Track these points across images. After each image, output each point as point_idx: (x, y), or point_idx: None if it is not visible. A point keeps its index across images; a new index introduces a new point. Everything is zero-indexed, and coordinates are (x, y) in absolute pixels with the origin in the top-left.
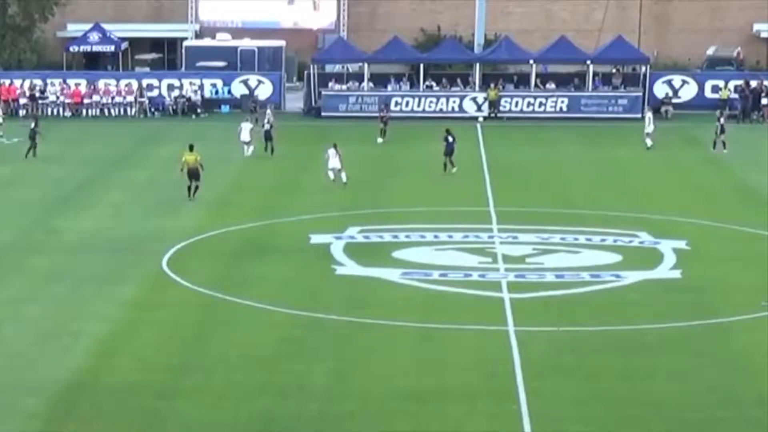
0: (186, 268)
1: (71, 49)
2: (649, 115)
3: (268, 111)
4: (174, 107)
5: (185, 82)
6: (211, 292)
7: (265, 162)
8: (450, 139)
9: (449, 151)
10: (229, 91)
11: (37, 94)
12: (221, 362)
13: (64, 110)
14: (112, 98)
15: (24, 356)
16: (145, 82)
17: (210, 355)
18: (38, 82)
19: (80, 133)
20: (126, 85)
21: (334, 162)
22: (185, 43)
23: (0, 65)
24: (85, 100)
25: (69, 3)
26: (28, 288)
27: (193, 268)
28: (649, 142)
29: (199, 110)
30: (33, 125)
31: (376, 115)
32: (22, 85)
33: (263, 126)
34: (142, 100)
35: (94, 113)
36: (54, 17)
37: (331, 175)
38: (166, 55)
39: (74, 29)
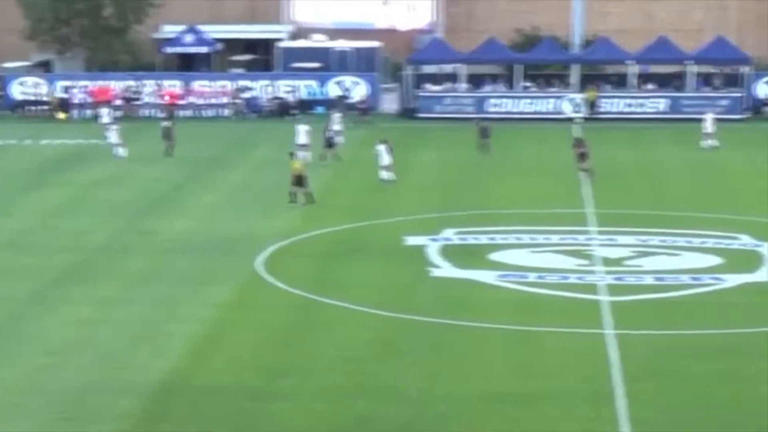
0: (280, 269)
1: (166, 50)
2: (710, 116)
3: (337, 115)
4: (269, 109)
5: (280, 83)
6: (305, 294)
7: (359, 164)
8: (581, 145)
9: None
10: (324, 93)
11: (132, 96)
12: (315, 364)
13: (158, 111)
14: (207, 100)
15: (117, 357)
16: (240, 84)
17: (304, 356)
18: (133, 83)
19: (134, 130)
20: (221, 87)
21: (385, 159)
22: (280, 44)
23: (95, 67)
24: (180, 102)
25: (164, 4)
26: (121, 289)
27: (287, 270)
28: (710, 142)
29: (293, 111)
30: (168, 124)
31: (472, 116)
32: (117, 87)
33: (324, 132)
34: (238, 101)
35: (188, 115)
36: (149, 19)
37: (384, 174)
38: (261, 56)
39: (169, 31)
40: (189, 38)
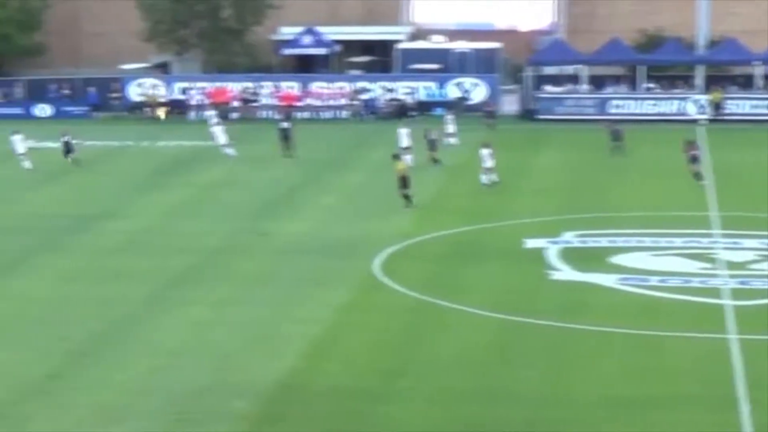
0: (397, 271)
1: (284, 52)
2: (447, 117)
3: (450, 116)
4: (387, 110)
5: (399, 84)
6: (422, 296)
7: (477, 165)
8: (693, 147)
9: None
10: (443, 94)
11: (249, 97)
12: (431, 366)
13: (276, 113)
14: (325, 101)
15: (233, 358)
16: (358, 85)
17: (420, 359)
18: (250, 85)
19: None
20: (339, 88)
21: (487, 162)
22: (399, 46)
23: (213, 68)
24: (297, 103)
25: (282, 6)
26: (237, 290)
27: (404, 272)
28: None
29: (411, 113)
30: (286, 125)
31: (594, 117)
32: (235, 88)
33: (425, 136)
34: (356, 102)
35: (305, 116)
36: (267, 20)
37: (484, 178)
38: (379, 57)
39: (287, 32)
40: (307, 40)
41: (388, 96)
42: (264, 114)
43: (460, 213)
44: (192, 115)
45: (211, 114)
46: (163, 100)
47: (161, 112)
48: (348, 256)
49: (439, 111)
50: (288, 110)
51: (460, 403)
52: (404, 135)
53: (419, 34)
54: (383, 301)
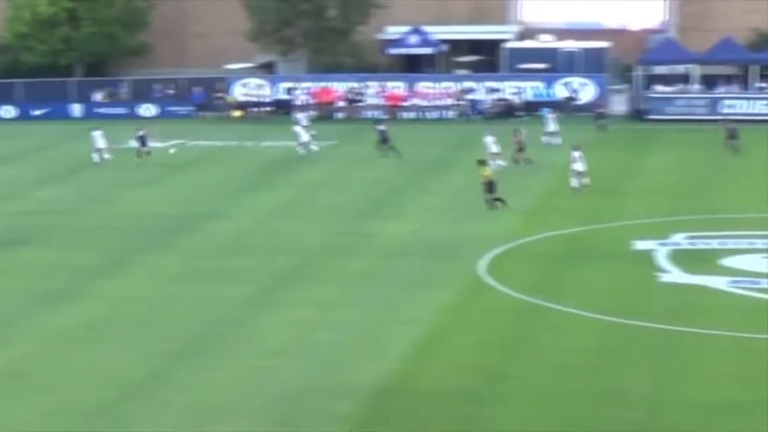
0: (503, 273)
1: (390, 51)
2: (549, 116)
3: (552, 116)
4: (493, 110)
5: (506, 84)
6: (528, 298)
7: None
8: None
9: None
10: (551, 94)
11: (355, 97)
12: (537, 369)
13: (381, 113)
14: (431, 101)
15: (336, 359)
16: (464, 85)
17: (526, 361)
18: (356, 85)
19: (397, 136)
20: (445, 88)
21: (578, 165)
22: (506, 45)
23: (318, 68)
24: (403, 103)
25: (388, 5)
26: (340, 291)
27: (510, 274)
28: None
29: (518, 113)
30: (381, 128)
31: (705, 117)
32: (340, 88)
33: (513, 136)
34: (462, 103)
35: (411, 116)
36: (373, 20)
37: (574, 182)
38: (486, 57)
39: (393, 32)
40: (413, 39)
41: (495, 96)
42: (369, 114)
43: (567, 214)
44: (297, 115)
45: (301, 116)
46: (228, 99)
47: (237, 114)
48: (452, 257)
49: (546, 111)
50: (394, 110)
51: (566, 405)
52: (491, 143)
53: (527, 33)
54: (488, 302)
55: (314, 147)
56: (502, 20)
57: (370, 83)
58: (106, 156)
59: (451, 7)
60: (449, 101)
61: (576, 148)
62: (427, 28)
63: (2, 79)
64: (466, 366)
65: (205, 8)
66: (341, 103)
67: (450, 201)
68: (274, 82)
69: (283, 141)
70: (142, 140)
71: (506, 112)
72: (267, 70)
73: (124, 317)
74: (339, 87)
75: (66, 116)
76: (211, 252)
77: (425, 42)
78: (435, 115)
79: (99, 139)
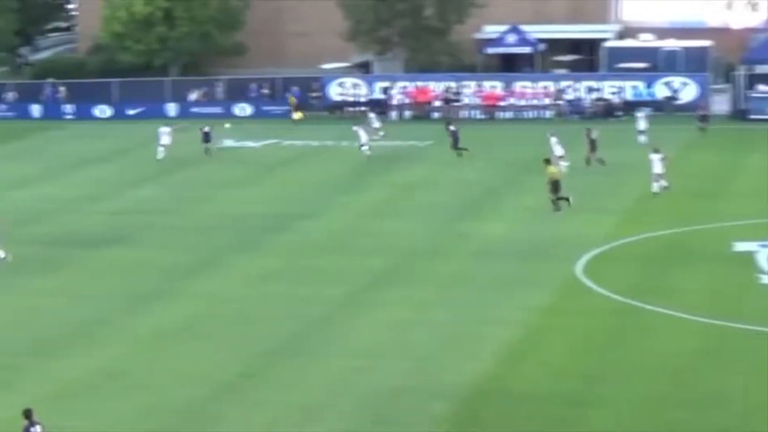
0: (600, 274)
1: (487, 51)
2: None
3: (641, 114)
4: (592, 110)
5: (605, 84)
6: (625, 300)
7: (683, 167)
8: None
9: None
10: (651, 94)
11: (452, 97)
12: (634, 371)
13: (478, 113)
14: (529, 101)
15: (431, 360)
16: (562, 84)
17: (622, 363)
18: (453, 84)
19: (493, 135)
20: (543, 88)
21: (657, 167)
22: (605, 44)
23: (415, 68)
24: (500, 103)
25: (486, 4)
26: (436, 292)
27: (607, 275)
28: None
29: (617, 112)
30: (453, 128)
31: None
32: (437, 88)
33: (586, 135)
34: (560, 102)
35: (508, 116)
36: (470, 19)
37: (655, 186)
38: (585, 56)
39: (490, 31)
40: (511, 38)
41: (594, 95)
42: (466, 114)
43: (665, 214)
44: (393, 115)
45: (372, 116)
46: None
47: (297, 116)
48: (548, 257)
49: (646, 111)
50: (490, 110)
51: (663, 408)
52: (555, 143)
53: (627, 32)
54: (585, 303)
55: (367, 151)
56: (601, 19)
57: (467, 83)
58: (162, 154)
59: (549, 6)
60: (547, 101)
61: (655, 151)
62: (525, 27)
63: (98, 78)
64: (561, 368)
65: (301, 8)
66: (438, 103)
67: (546, 201)
68: (370, 82)
69: (380, 141)
70: (207, 136)
71: (605, 111)
72: (363, 69)
73: (217, 317)
74: (436, 86)
75: (161, 116)
76: (305, 252)
77: (523, 41)
78: (532, 114)
79: (165, 135)
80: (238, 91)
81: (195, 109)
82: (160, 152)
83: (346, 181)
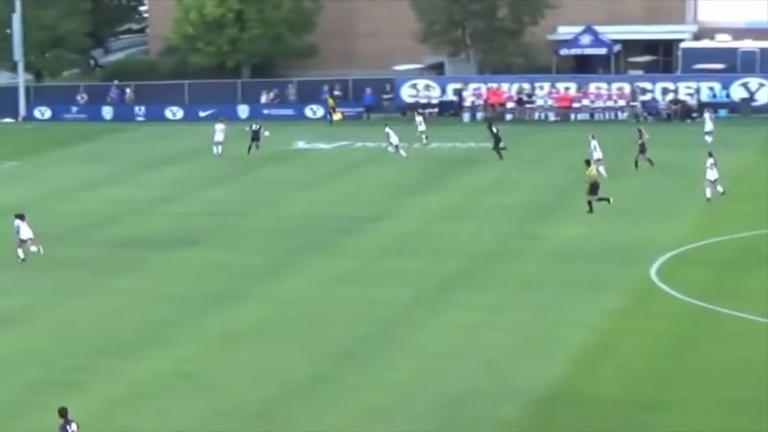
0: (675, 277)
1: (561, 52)
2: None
3: (708, 115)
4: (668, 112)
5: (680, 85)
6: (701, 303)
7: (758, 168)
8: None
9: None
10: (728, 95)
11: (525, 98)
12: (709, 375)
13: (551, 115)
14: (603, 102)
15: (502, 363)
16: (638, 86)
17: (697, 367)
18: (526, 86)
19: (567, 137)
20: (618, 89)
21: (711, 173)
22: (682, 45)
23: (488, 69)
24: (574, 105)
25: (560, 5)
26: (507, 295)
27: (682, 278)
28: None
29: (694, 114)
30: (495, 129)
31: None
32: (510, 89)
33: (639, 137)
34: (635, 104)
35: (582, 118)
36: (544, 20)
37: (708, 192)
38: (661, 57)
39: (565, 32)
40: (586, 39)
41: (669, 97)
42: (539, 115)
43: (742, 217)
44: (466, 116)
45: (419, 119)
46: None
47: (337, 116)
48: (623, 260)
49: (722, 113)
50: (564, 112)
51: (738, 413)
52: (595, 147)
53: (703, 32)
54: (659, 307)
55: (403, 153)
56: (677, 19)
57: (541, 84)
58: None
59: (625, 7)
60: (622, 102)
61: (708, 155)
62: (600, 28)
63: (170, 80)
64: (634, 372)
65: (373, 9)
66: (511, 105)
67: (620, 204)
68: (442, 83)
69: (450, 142)
70: (256, 134)
71: (682, 113)
72: (436, 71)
73: (289, 319)
74: (509, 88)
75: (233, 117)
76: (377, 254)
77: (598, 42)
78: (606, 116)
79: (219, 132)
80: (309, 93)
81: (266, 111)
82: (216, 150)
83: (417, 183)
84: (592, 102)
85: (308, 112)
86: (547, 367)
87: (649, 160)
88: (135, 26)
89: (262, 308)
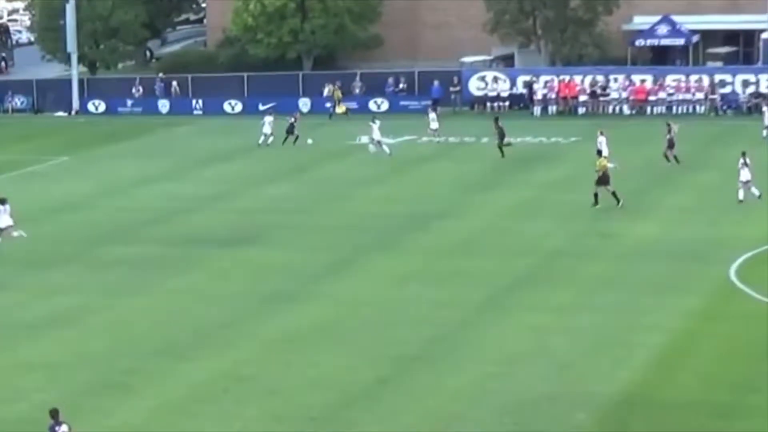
0: (756, 278)
1: (637, 43)
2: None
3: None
4: (748, 105)
5: (762, 77)
6: None
7: None
8: None
9: None
10: None
11: (598, 91)
12: None
13: (626, 108)
14: (680, 95)
15: (574, 368)
16: (717, 78)
17: None
18: (600, 78)
19: (642, 132)
20: (695, 81)
21: (744, 173)
22: (763, 36)
23: (560, 61)
24: (650, 98)
25: None
26: (580, 295)
27: (763, 278)
28: None
29: None
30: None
31: None
32: (582, 82)
33: (668, 131)
34: (714, 97)
35: (659, 111)
36: (619, 9)
37: (740, 194)
38: (741, 48)
39: (641, 22)
40: (663, 30)
41: (750, 89)
42: (613, 109)
43: None
44: (536, 110)
45: (433, 116)
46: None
47: (341, 109)
48: (700, 260)
49: None
50: (639, 105)
51: None
52: (603, 143)
53: None
54: (739, 309)
55: (387, 149)
56: (759, 9)
57: (615, 76)
58: (270, 141)
59: None
60: (700, 95)
61: (742, 154)
62: (678, 18)
63: (229, 72)
64: (713, 376)
65: None
66: (584, 98)
67: (698, 201)
68: (512, 76)
69: (520, 137)
70: (292, 126)
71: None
72: (506, 62)
73: (351, 320)
74: (581, 80)
75: (294, 110)
76: (444, 252)
77: (675, 32)
78: (684, 110)
79: (267, 125)
80: (373, 86)
81: (329, 104)
82: (263, 138)
83: (486, 179)
84: (669, 95)
85: (372, 105)
86: (620, 371)
87: (676, 158)
88: (192, 17)
89: (323, 309)
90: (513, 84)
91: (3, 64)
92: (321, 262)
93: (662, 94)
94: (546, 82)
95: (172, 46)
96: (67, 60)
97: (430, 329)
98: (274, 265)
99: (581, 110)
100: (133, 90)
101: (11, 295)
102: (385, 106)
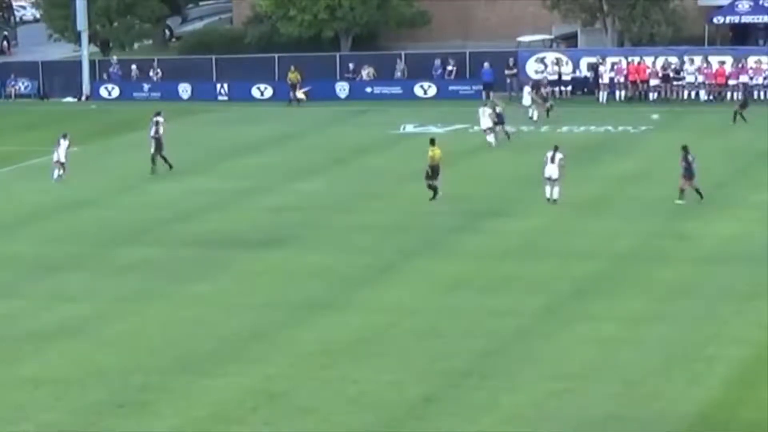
0: None
1: (715, 20)
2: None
3: None
4: None
5: None
6: None
7: None
8: None
9: None
10: None
11: (672, 74)
12: None
13: (703, 93)
14: (763, 79)
15: (645, 384)
16: None
17: None
18: (673, 59)
19: (721, 119)
20: None
21: None
22: None
23: (628, 41)
24: (730, 81)
25: None
26: (652, 304)
27: None
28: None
29: None
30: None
31: None
32: (654, 64)
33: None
34: None
35: (739, 97)
36: None
37: None
38: None
39: None
40: (744, 6)
41: None
42: (688, 94)
43: None
44: (602, 96)
45: (526, 91)
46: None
47: (301, 94)
48: None
49: None
50: (717, 89)
51: None
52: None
53: None
54: None
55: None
56: None
57: (690, 57)
58: None
59: None
60: None
61: None
62: None
63: (258, 53)
64: None
65: None
66: (655, 82)
67: None
68: (574, 57)
69: (584, 126)
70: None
71: None
72: (567, 42)
73: (396, 331)
74: (652, 62)
75: (331, 96)
76: (498, 256)
77: (758, 8)
78: (765, 94)
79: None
80: (419, 69)
81: (369, 89)
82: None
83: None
84: (751, 78)
85: (418, 90)
86: (697, 388)
87: (698, 191)
88: None
89: (364, 318)
90: (576, 66)
91: (5, 43)
92: (361, 265)
93: (743, 78)
94: (613, 65)
95: (194, 24)
96: (76, 39)
97: (483, 341)
98: (308, 270)
99: (652, 96)
100: (151, 73)
101: (16, 303)
102: (432, 91)
